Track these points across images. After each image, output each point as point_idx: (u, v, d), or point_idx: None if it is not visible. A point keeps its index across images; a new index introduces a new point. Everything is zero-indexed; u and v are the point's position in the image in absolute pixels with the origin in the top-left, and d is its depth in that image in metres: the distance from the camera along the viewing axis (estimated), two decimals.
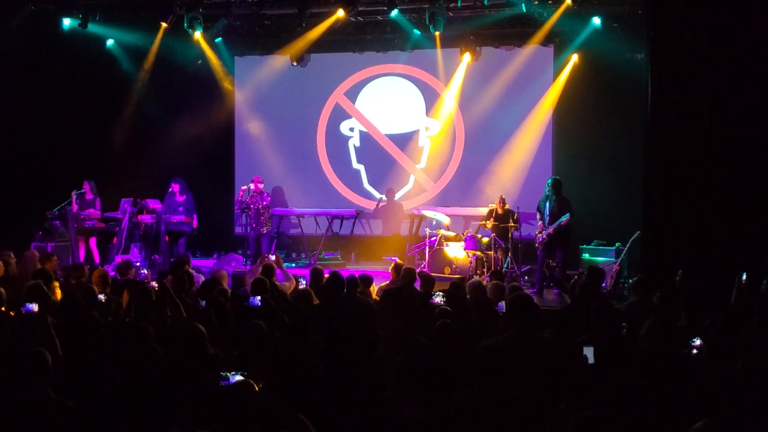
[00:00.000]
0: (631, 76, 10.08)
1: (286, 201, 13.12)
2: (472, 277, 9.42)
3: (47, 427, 3.64)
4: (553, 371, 4.45)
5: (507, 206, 10.48)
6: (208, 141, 12.87)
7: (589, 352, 4.28)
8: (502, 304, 5.88)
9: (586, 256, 10.04)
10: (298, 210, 12.64)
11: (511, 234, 10.15)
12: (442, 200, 12.63)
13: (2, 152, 11.28)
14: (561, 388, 4.21)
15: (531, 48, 11.93)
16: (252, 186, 11.23)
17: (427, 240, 10.81)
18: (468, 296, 6.48)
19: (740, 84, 8.03)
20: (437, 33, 10.94)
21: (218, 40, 12.18)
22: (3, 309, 5.64)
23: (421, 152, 12.95)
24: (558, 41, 11.78)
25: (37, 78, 11.53)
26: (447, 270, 10.24)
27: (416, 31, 11.62)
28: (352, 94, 13.16)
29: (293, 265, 11.65)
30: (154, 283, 6.99)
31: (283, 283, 7.46)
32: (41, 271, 6.72)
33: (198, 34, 11.29)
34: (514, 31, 11.66)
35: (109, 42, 12.33)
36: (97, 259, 10.82)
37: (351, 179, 13.20)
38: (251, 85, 13.32)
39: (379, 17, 11.62)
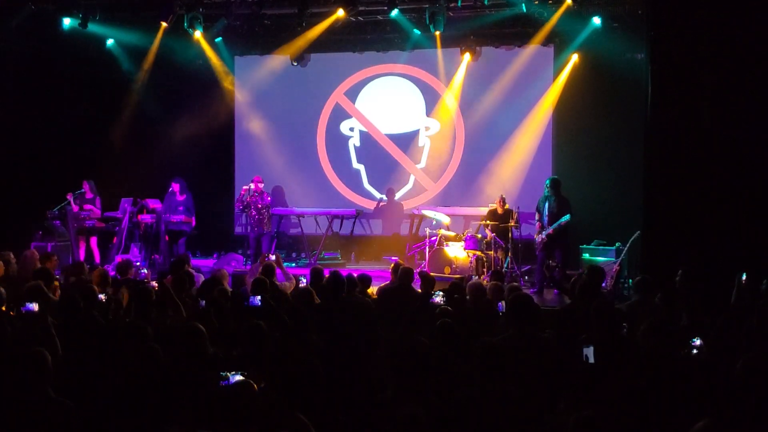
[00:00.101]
0: (631, 76, 10.08)
1: (286, 201, 13.12)
2: (471, 278, 9.43)
3: (47, 427, 3.63)
4: (553, 371, 4.45)
5: (507, 206, 10.48)
6: (208, 141, 12.87)
7: (589, 352, 4.28)
8: (502, 304, 5.88)
9: (586, 256, 10.04)
10: (299, 210, 12.64)
11: (511, 234, 10.15)
12: (442, 200, 12.63)
13: (2, 152, 11.29)
14: (561, 388, 4.21)
15: (531, 48, 11.93)
16: (252, 186, 11.23)
17: (427, 240, 10.81)
18: (468, 297, 6.48)
19: (740, 84, 8.03)
20: (437, 33, 10.94)
21: (218, 39, 12.18)
22: (3, 309, 5.64)
23: (421, 152, 12.95)
24: (558, 41, 11.78)
25: (37, 78, 11.53)
26: (447, 270, 10.23)
27: (416, 31, 11.62)
28: (352, 94, 13.16)
29: (293, 264, 11.65)
30: (154, 283, 7.01)
31: (283, 282, 7.46)
32: (42, 270, 6.72)
33: (198, 34, 11.29)
34: (514, 31, 11.66)
35: (109, 42, 12.33)
36: (97, 258, 10.82)
37: (351, 179, 13.20)
38: (251, 84, 13.32)
39: (379, 17, 11.61)
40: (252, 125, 13.36)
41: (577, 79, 11.70)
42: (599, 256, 9.83)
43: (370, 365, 4.69)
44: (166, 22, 10.99)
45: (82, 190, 10.78)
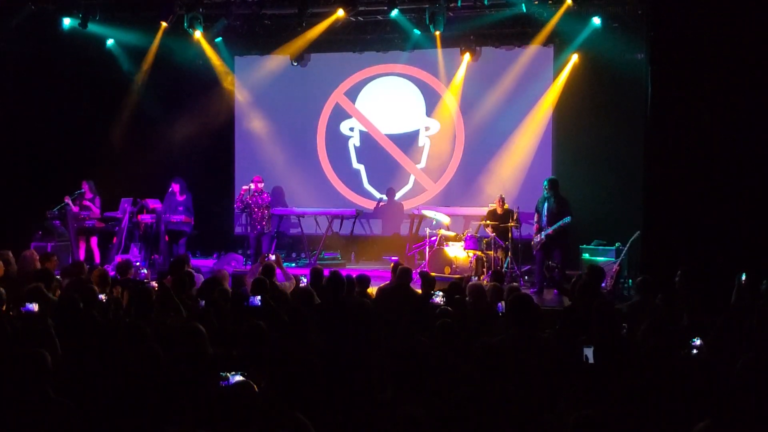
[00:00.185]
0: (631, 76, 10.08)
1: (286, 201, 13.12)
2: (471, 278, 9.42)
3: (47, 427, 3.63)
4: (553, 371, 4.45)
5: (506, 206, 10.48)
6: (208, 141, 12.87)
7: (589, 352, 4.28)
8: (502, 304, 5.88)
9: (586, 256, 10.03)
10: (298, 210, 12.64)
11: (511, 234, 10.15)
12: (442, 200, 12.63)
13: (2, 152, 11.28)
14: (561, 388, 4.21)
15: (531, 48, 11.92)
16: (252, 186, 11.23)
17: (427, 240, 10.80)
18: (468, 298, 6.48)
19: (740, 84, 8.04)
20: (437, 33, 10.93)
21: (218, 39, 12.17)
22: (3, 309, 5.64)
23: (422, 152, 12.95)
24: (558, 41, 11.77)
25: (37, 78, 11.51)
26: (447, 270, 10.23)
27: (416, 31, 11.61)
28: (352, 94, 13.16)
29: (293, 265, 11.65)
30: (154, 283, 7.01)
31: (283, 283, 7.46)
32: (42, 271, 6.72)
33: (198, 34, 11.27)
34: (514, 31, 11.65)
35: (109, 42, 12.32)
36: (97, 258, 10.82)
37: (351, 179, 13.20)
38: (251, 84, 13.31)
39: (379, 17, 11.61)
40: (252, 125, 13.36)
41: (577, 80, 11.70)
42: (599, 257, 9.82)
43: (370, 365, 4.69)
44: (166, 22, 10.98)
45: (81, 191, 10.77)
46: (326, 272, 7.04)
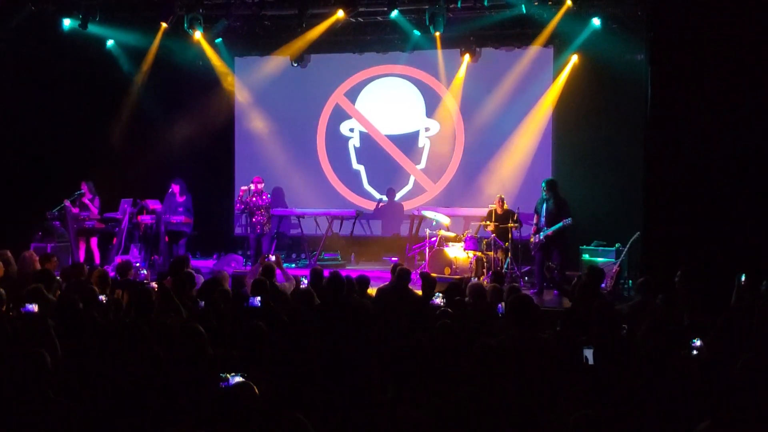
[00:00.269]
0: (631, 76, 10.08)
1: (286, 201, 13.12)
2: (470, 279, 9.42)
3: (47, 428, 3.63)
4: (553, 372, 4.45)
5: (506, 206, 10.48)
6: (208, 141, 12.88)
7: (589, 352, 4.28)
8: (502, 305, 5.88)
9: (586, 256, 10.03)
10: (298, 210, 12.64)
11: (511, 234, 10.15)
12: (442, 201, 12.63)
13: (2, 152, 11.27)
14: (561, 388, 4.21)
15: (531, 49, 11.92)
16: (252, 186, 11.23)
17: (427, 240, 10.81)
18: (468, 298, 6.48)
19: (740, 84, 8.04)
20: (437, 34, 10.93)
21: (218, 40, 12.18)
22: (3, 309, 5.64)
23: (421, 153, 12.96)
24: (558, 42, 11.77)
25: (37, 78, 11.51)
26: (447, 270, 10.23)
27: (416, 32, 11.61)
28: (352, 95, 13.16)
29: (293, 265, 11.66)
30: (154, 284, 7.00)
31: (283, 283, 7.46)
32: (42, 272, 6.72)
33: (198, 35, 11.27)
34: (514, 32, 11.66)
35: (109, 42, 12.32)
36: (97, 259, 10.82)
37: (351, 180, 13.21)
38: (251, 85, 13.32)
39: (379, 18, 11.61)
40: (252, 126, 13.37)
41: (576, 80, 11.70)
42: (599, 257, 9.83)
43: (370, 366, 4.69)
44: (166, 22, 10.97)
45: (81, 191, 10.77)
46: (326, 273, 7.04)
